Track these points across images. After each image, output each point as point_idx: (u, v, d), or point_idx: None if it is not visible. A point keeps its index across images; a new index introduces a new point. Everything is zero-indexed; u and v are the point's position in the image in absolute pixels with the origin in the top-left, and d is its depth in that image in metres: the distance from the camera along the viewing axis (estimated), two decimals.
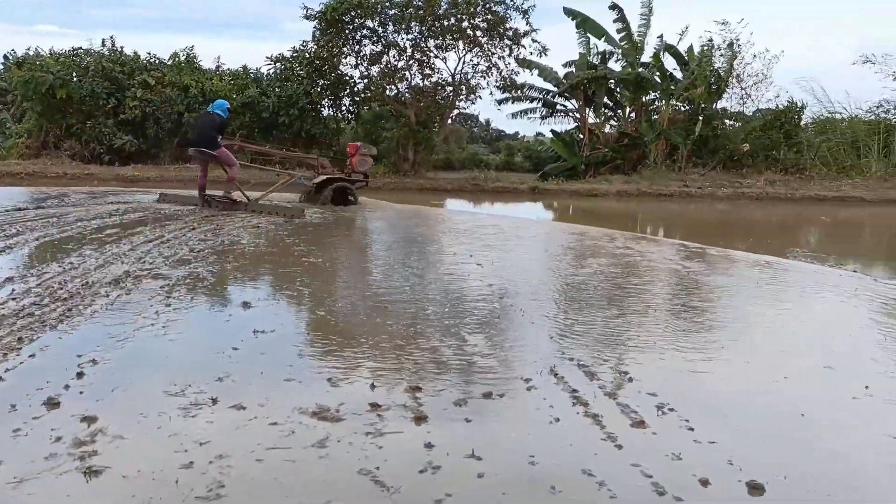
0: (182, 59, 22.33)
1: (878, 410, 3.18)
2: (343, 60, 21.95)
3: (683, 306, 5.38)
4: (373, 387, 3.21)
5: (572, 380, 3.38)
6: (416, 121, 22.12)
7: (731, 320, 5.08)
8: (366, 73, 22.31)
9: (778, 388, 3.43)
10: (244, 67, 23.15)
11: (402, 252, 7.83)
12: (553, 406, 3.04)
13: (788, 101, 23.45)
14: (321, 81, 22.18)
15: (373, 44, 21.76)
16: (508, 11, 21.11)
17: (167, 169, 19.75)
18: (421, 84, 22.41)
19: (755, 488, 2.34)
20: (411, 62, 21.96)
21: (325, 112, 23.20)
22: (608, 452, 2.60)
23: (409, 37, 21.63)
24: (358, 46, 21.78)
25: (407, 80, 22.43)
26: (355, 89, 22.87)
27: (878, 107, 25.44)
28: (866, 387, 3.42)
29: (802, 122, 23.89)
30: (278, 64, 22.30)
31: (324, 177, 12.34)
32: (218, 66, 23.05)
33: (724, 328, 4.84)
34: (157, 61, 22.06)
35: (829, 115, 24.52)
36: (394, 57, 21.99)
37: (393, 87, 22.47)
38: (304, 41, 22.27)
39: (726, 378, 3.59)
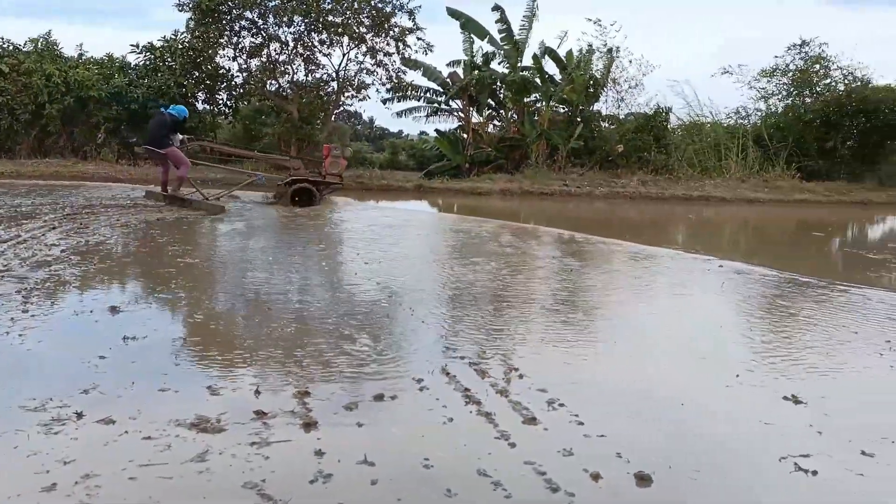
0: (41, 45, 20.65)
1: (748, 397, 3.35)
2: (220, 52, 21.10)
3: (566, 301, 5.50)
4: (257, 393, 3.05)
5: (464, 378, 3.35)
6: (299, 117, 21.61)
7: (612, 314, 5.25)
8: (245, 67, 21.56)
9: (659, 380, 3.55)
10: (109, 56, 21.72)
11: (286, 251, 7.57)
12: (446, 406, 3.00)
13: (657, 106, 24.76)
14: (196, 74, 21.20)
15: (252, 36, 21.06)
16: (394, 9, 21.04)
17: (23, 164, 18.22)
18: (304, 79, 21.94)
19: (643, 479, 2.39)
20: (294, 56, 21.45)
21: (200, 106, 22.20)
22: (502, 451, 2.58)
23: (292, 30, 21.10)
24: (236, 38, 21.00)
25: (289, 74, 21.89)
26: (233, 83, 22.04)
27: (735, 113, 27.43)
28: (737, 375, 3.60)
29: (671, 126, 25.28)
30: (147, 54, 21.08)
31: (291, 178, 12.52)
32: (80, 55, 21.49)
33: (606, 321, 4.99)
34: (11, 48, 20.29)
35: (696, 120, 26.13)
36: (275, 51, 21.39)
37: (274, 81, 21.85)
38: (176, 31, 21.22)
39: (611, 371, 3.68)
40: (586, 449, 2.63)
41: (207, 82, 21.53)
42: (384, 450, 2.54)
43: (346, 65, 21.95)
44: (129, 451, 2.43)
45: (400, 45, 21.57)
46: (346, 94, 22.75)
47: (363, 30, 21.05)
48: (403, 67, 22.51)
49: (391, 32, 21.25)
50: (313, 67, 21.85)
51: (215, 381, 3.20)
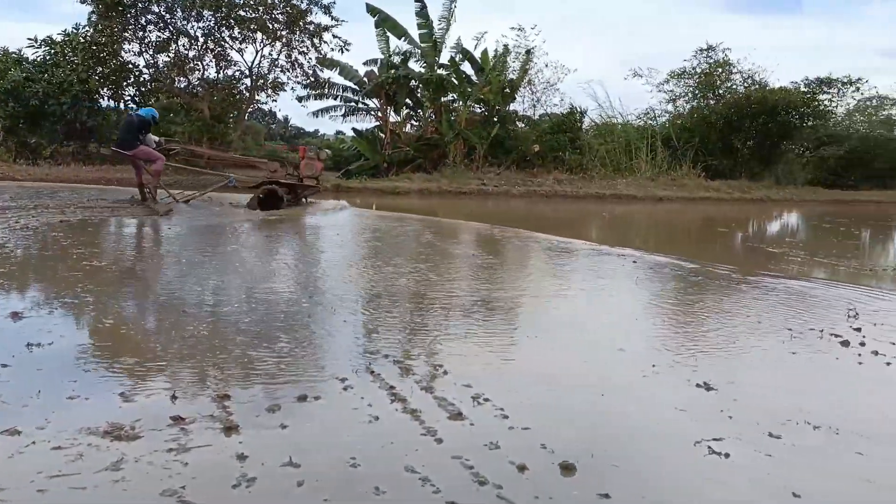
0: None
1: (664, 385, 3.47)
2: (125, 47, 20.26)
3: (488, 297, 5.55)
4: (174, 398, 2.93)
5: (389, 376, 3.34)
6: (210, 115, 21.00)
7: (532, 308, 5.33)
8: (152, 62, 20.78)
9: (580, 372, 3.63)
10: (4, 50, 20.51)
11: (201, 252, 7.34)
12: (371, 405, 2.97)
13: (572, 106, 25.43)
14: (99, 69, 20.26)
15: (159, 30, 20.34)
16: (310, 5, 20.73)
17: None
18: (215, 76, 21.32)
19: (567, 469, 2.44)
20: (204, 52, 20.80)
21: (105, 103, 21.26)
22: (429, 447, 2.58)
23: (201, 25, 20.47)
24: (142, 33, 20.21)
25: (199, 71, 21.22)
26: (141, 79, 21.20)
27: (645, 114, 28.51)
28: (653, 365, 3.73)
29: (585, 127, 26.03)
30: (46, 48, 20.00)
31: (263, 180, 12.30)
32: None
33: (527, 316, 5.06)
34: None
35: (608, 120, 27.02)
36: (184, 46, 20.70)
37: (183, 78, 21.14)
38: (77, 24, 20.22)
39: (534, 365, 3.74)
40: (512, 441, 2.66)
41: (113, 78, 20.62)
42: (309, 451, 2.50)
43: (260, 62, 21.49)
44: (38, 462, 2.29)
45: (316, 42, 21.29)
46: (261, 93, 22.27)
47: (278, 26, 20.65)
48: (319, 66, 22.23)
49: (307, 29, 20.93)
50: (225, 64, 21.29)
51: (128, 387, 3.06)
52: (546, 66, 24.98)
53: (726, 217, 17.16)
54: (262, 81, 21.79)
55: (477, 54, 24.30)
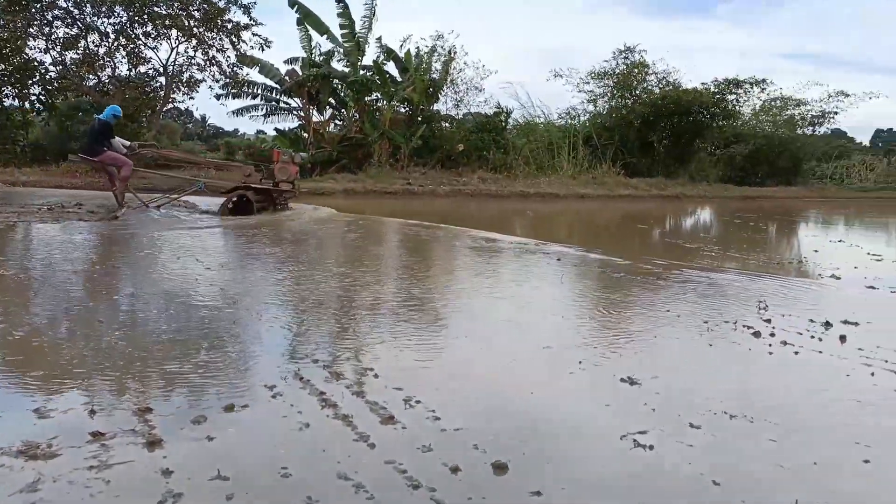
0: None
1: (590, 382, 3.56)
2: (30, 43, 19.25)
3: (416, 298, 5.56)
4: (92, 413, 2.81)
5: (318, 382, 3.30)
6: (123, 114, 20.21)
7: (462, 308, 5.37)
8: (59, 59, 19.83)
9: (510, 370, 3.68)
10: None
11: (116, 257, 7.06)
12: (301, 412, 2.93)
13: (496, 107, 25.74)
14: (1, 66, 19.20)
15: (67, 26, 19.42)
16: (228, 4, 20.21)
17: None
18: (128, 74, 20.53)
19: (500, 468, 2.47)
20: (115, 49, 20.00)
21: (8, 102, 20.15)
22: (362, 453, 2.57)
23: (113, 21, 19.67)
24: (49, 28, 19.26)
25: (110, 68, 20.40)
26: (47, 77, 20.20)
27: (566, 114, 29.15)
28: (580, 362, 3.82)
29: (509, 126, 26.39)
30: None
31: (236, 185, 11.86)
32: None
33: (456, 316, 5.09)
34: None
35: (531, 120, 27.49)
36: (93, 42, 19.85)
37: (93, 76, 20.27)
38: None
39: (464, 366, 3.77)
40: (444, 443, 2.68)
41: (17, 76, 19.57)
42: (239, 462, 2.44)
43: (176, 60, 20.83)
44: None
45: (234, 40, 20.79)
46: (176, 91, 21.58)
47: (193, 23, 20.05)
48: (239, 64, 21.73)
49: (224, 28, 20.41)
50: (138, 61, 20.53)
51: (43, 402, 2.92)
52: (466, 65, 25.21)
53: (645, 214, 17.73)
54: (177, 80, 21.11)
55: (401, 54, 24.28)
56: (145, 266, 6.68)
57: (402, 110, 24.56)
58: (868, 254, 9.76)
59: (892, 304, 6.26)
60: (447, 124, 25.31)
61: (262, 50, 21.40)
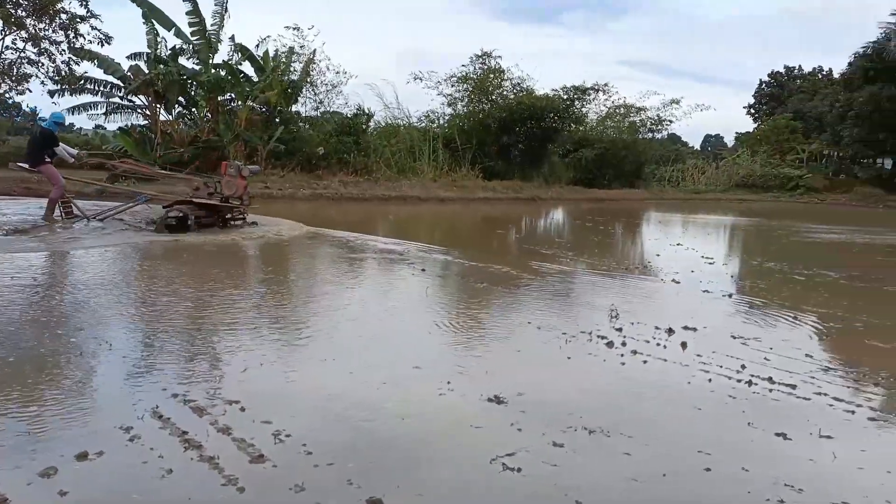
0: None
1: (460, 403, 3.64)
2: None
3: (277, 317, 5.43)
4: None
5: (180, 420, 3.14)
6: None
7: (327, 327, 5.28)
8: None
9: (381, 396, 3.67)
10: None
11: None
12: (163, 456, 2.78)
13: (357, 109, 25.58)
14: None
15: None
16: None
17: None
18: None
19: (374, 503, 2.48)
20: None
21: None
22: (231, 499, 2.48)
23: None
24: None
25: None
26: None
27: (426, 116, 29.50)
28: (448, 382, 3.89)
29: (370, 129, 26.31)
30: None
31: (177, 200, 10.83)
32: None
33: (322, 336, 5.01)
34: None
35: (392, 123, 27.58)
36: None
37: None
38: None
39: (334, 392, 3.71)
40: (318, 480, 2.64)
41: None
42: None
43: (2, 52, 19.01)
44: None
45: (70, 33, 19.24)
46: (3, 85, 19.70)
47: (22, 13, 18.37)
48: (75, 58, 20.14)
49: (58, 19, 18.85)
50: None
51: None
52: (328, 69, 24.92)
53: (503, 217, 18.32)
54: (3, 74, 19.24)
55: (258, 53, 23.52)
56: None
57: (260, 111, 23.79)
58: (702, 257, 10.65)
59: (724, 307, 6.88)
60: (307, 126, 24.84)
61: (102, 45, 19.94)
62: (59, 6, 18.67)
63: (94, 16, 19.32)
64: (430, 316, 5.91)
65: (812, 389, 4.10)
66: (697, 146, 65.12)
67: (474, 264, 8.54)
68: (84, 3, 19.10)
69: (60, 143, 10.78)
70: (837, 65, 42.68)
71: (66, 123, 19.56)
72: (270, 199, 19.53)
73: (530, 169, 29.91)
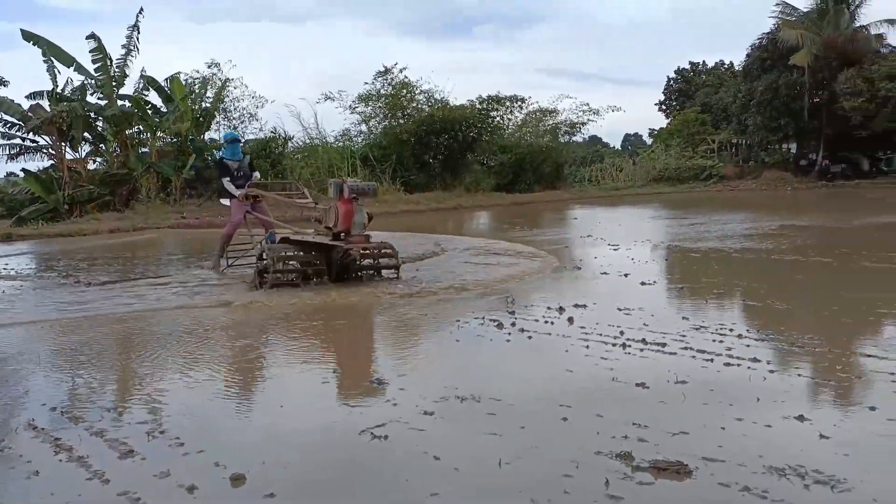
0: None
1: (341, 387, 3.77)
2: None
3: (171, 334, 5.44)
4: None
5: (55, 429, 3.17)
6: None
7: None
8: None
9: (260, 386, 3.76)
10: None
11: None
12: (31, 461, 2.81)
13: (273, 131, 25.50)
14: None
15: None
16: None
17: None
18: None
19: (237, 479, 2.58)
20: None
21: None
22: (94, 490, 2.54)
23: None
24: None
25: None
26: None
27: (342, 135, 29.56)
28: (334, 371, 4.02)
29: (288, 150, 26.24)
30: None
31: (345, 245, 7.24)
32: None
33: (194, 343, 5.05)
34: None
35: (310, 142, 27.53)
36: None
37: None
38: None
39: (208, 385, 3.79)
40: (184, 466, 2.73)
41: None
42: None
43: None
44: None
45: None
46: None
47: None
48: None
49: None
50: None
51: None
52: (244, 95, 24.81)
53: (428, 227, 18.51)
54: None
55: (166, 85, 23.19)
56: None
57: (171, 141, 23.44)
58: (608, 245, 11.06)
59: (618, 285, 7.18)
60: None
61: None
62: None
63: None
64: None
65: (679, 345, 4.38)
66: (618, 146, 67.06)
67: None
68: None
69: (228, 178, 8.79)
70: (738, 58, 44.64)
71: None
72: (188, 229, 19.24)
73: (451, 179, 30.27)
